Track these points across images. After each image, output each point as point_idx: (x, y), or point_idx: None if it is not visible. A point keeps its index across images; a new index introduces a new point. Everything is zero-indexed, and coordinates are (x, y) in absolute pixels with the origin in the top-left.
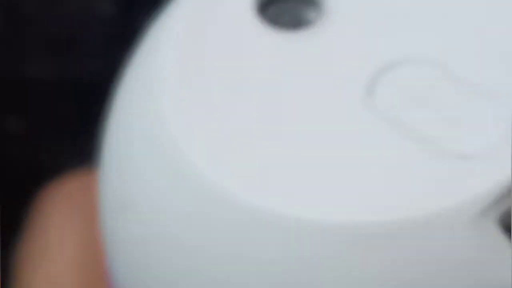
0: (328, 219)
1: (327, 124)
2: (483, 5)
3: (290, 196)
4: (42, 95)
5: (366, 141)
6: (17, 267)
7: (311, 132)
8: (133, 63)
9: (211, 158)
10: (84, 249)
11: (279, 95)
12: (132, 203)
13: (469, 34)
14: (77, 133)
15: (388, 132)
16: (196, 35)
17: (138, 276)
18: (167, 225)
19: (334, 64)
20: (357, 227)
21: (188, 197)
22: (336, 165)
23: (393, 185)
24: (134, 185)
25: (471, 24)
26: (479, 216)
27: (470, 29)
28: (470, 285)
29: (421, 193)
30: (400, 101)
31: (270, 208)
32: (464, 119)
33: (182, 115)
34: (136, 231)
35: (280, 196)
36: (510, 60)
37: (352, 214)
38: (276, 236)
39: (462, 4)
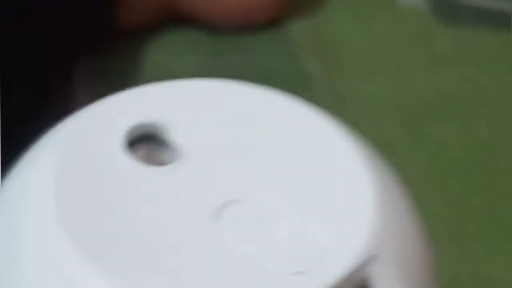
0: None
1: (180, 240)
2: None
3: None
4: None
5: (210, 253)
6: None
7: (166, 245)
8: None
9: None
10: None
11: (142, 219)
12: None
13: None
14: None
15: (225, 248)
16: (71, 168)
17: None
18: None
19: (185, 196)
20: None
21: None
22: (185, 272)
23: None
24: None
25: (300, 170)
26: None
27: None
28: None
29: None
30: (234, 229)
31: None
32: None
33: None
34: None
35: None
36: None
37: None
38: None
39: (298, 151)
